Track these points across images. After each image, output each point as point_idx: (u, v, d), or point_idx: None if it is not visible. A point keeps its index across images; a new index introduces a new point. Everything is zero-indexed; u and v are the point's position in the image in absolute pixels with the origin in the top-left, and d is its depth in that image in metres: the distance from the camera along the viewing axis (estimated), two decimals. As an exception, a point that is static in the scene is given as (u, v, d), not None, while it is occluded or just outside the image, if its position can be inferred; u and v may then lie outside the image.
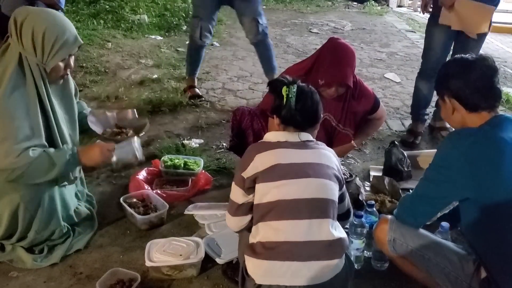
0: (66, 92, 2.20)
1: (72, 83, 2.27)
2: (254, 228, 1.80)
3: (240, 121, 2.70)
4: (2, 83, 1.92)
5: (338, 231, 1.78)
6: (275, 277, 1.70)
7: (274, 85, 1.89)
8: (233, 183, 1.87)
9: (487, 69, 1.78)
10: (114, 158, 2.18)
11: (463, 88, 1.78)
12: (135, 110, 2.56)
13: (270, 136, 1.87)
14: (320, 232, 1.73)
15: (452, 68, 1.85)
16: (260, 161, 1.78)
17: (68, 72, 2.10)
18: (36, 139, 1.96)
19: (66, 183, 2.20)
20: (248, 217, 1.86)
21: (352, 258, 2.14)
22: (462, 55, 1.88)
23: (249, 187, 1.80)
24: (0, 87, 1.91)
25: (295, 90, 1.82)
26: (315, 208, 1.74)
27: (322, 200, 1.76)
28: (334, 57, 2.53)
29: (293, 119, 1.83)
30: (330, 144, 2.67)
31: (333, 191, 1.81)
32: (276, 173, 1.75)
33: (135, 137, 2.34)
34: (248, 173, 1.79)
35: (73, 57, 2.09)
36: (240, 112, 2.73)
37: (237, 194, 1.85)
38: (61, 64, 2.02)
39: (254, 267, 1.74)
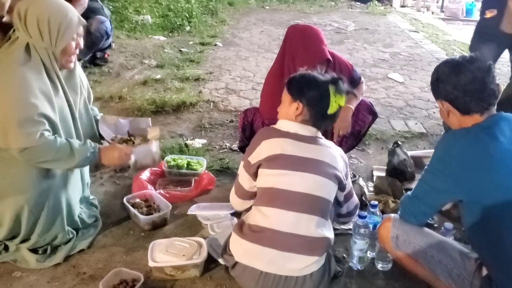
0: (72, 80, 2.22)
1: (79, 72, 2.28)
2: (250, 209, 1.90)
3: (252, 122, 2.71)
4: (11, 61, 1.96)
5: (325, 230, 1.80)
6: (252, 260, 1.77)
7: (333, 85, 1.84)
8: (241, 165, 1.92)
9: (477, 71, 1.75)
10: (132, 160, 2.25)
11: (453, 91, 1.77)
12: (149, 119, 2.57)
13: (282, 124, 1.89)
14: (306, 228, 1.76)
15: (442, 72, 1.83)
16: (265, 148, 1.82)
17: (77, 52, 2.13)
18: (52, 115, 2.00)
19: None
20: (251, 202, 1.93)
21: (355, 259, 2.15)
22: (453, 57, 1.87)
23: (254, 172, 1.85)
24: (9, 65, 1.95)
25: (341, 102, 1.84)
26: (306, 204, 1.77)
27: (316, 198, 1.79)
28: (305, 40, 2.54)
29: (321, 121, 1.86)
30: None
31: (329, 191, 1.83)
32: (277, 162, 1.79)
33: (153, 141, 2.41)
34: (253, 158, 1.84)
35: (81, 37, 2.14)
36: (252, 113, 2.73)
37: (244, 178, 1.91)
38: (72, 43, 2.07)
39: (237, 245, 1.82)
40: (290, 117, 1.88)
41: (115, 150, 2.19)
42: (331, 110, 1.82)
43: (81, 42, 2.14)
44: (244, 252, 1.80)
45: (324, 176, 1.80)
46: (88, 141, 2.15)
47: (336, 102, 1.82)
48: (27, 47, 2.00)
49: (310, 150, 1.82)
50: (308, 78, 1.88)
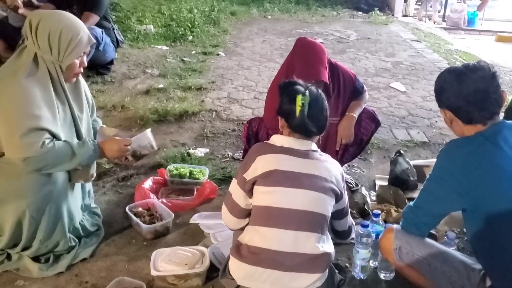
0: (77, 91, 2.24)
1: (83, 85, 2.31)
2: (245, 228, 1.85)
3: (256, 132, 2.71)
4: (18, 72, 1.98)
5: (325, 246, 1.79)
6: (256, 282, 1.74)
7: (288, 90, 1.86)
8: (235, 182, 1.88)
9: (480, 81, 1.73)
10: (132, 150, 2.28)
11: (456, 101, 1.77)
12: (148, 134, 2.47)
13: (276, 139, 1.87)
14: (305, 245, 1.74)
15: (445, 81, 1.82)
16: (261, 164, 1.79)
17: (81, 70, 2.18)
18: (54, 127, 2.00)
19: (82, 181, 2.24)
20: (247, 220, 1.89)
21: (357, 268, 2.14)
22: (456, 65, 1.85)
23: (250, 189, 1.82)
24: (15, 76, 1.97)
25: (309, 99, 1.80)
26: (304, 221, 1.75)
27: (314, 214, 1.77)
28: (304, 57, 2.55)
29: (303, 128, 1.82)
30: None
31: (326, 206, 1.81)
32: (272, 178, 1.77)
33: (148, 129, 2.44)
34: (249, 175, 1.81)
35: (86, 55, 2.17)
36: (257, 122, 2.74)
37: (239, 196, 1.87)
38: (77, 61, 2.10)
39: (237, 268, 1.78)
40: (281, 131, 1.89)
41: (114, 143, 2.22)
42: (297, 111, 1.80)
43: (85, 61, 2.16)
44: (245, 275, 1.77)
45: (320, 192, 1.78)
46: (87, 139, 2.17)
47: (297, 105, 1.80)
48: (35, 58, 2.02)
49: (305, 165, 1.80)
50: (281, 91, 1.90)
